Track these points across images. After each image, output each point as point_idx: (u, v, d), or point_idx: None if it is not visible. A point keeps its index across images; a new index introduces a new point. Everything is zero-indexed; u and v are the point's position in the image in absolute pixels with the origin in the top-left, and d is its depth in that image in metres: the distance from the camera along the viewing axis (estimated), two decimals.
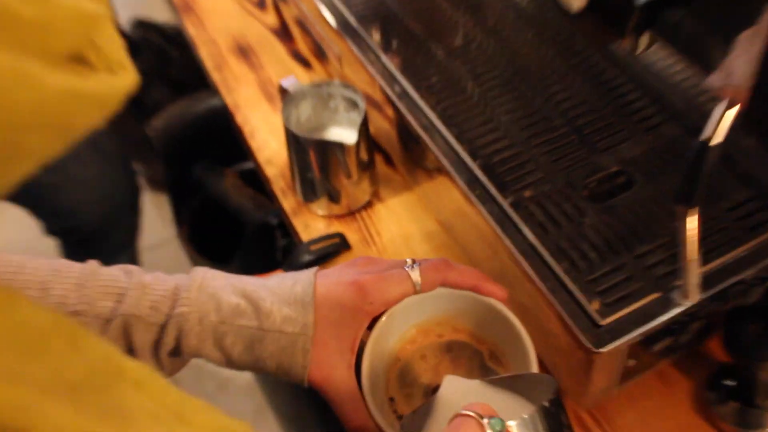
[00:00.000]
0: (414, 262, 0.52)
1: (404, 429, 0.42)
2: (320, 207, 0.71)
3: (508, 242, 0.57)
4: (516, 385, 0.43)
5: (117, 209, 1.08)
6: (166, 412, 0.25)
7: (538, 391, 0.40)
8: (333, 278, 0.52)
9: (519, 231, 0.57)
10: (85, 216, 1.04)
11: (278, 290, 0.50)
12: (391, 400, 0.51)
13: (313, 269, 0.52)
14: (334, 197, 0.70)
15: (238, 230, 0.88)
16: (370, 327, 0.53)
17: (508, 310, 0.52)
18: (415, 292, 0.52)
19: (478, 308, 0.53)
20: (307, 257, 0.67)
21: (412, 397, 0.52)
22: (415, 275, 0.52)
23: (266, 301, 0.49)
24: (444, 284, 0.52)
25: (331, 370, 0.49)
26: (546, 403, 0.37)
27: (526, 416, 0.37)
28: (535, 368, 0.49)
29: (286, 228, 0.77)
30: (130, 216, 1.12)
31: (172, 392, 0.27)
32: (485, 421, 0.35)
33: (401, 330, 0.54)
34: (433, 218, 0.70)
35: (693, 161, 0.39)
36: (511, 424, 0.36)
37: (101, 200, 1.05)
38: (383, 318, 0.52)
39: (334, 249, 0.68)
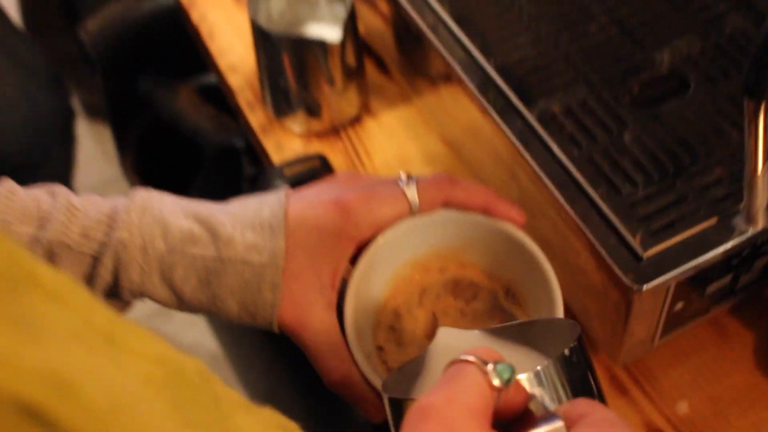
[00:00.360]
0: (409, 177, 0.53)
1: (386, 390, 0.41)
2: (296, 123, 0.71)
3: (531, 161, 0.56)
4: (528, 334, 0.43)
5: (45, 137, 1.07)
6: (90, 332, 0.25)
7: (557, 340, 0.40)
8: (309, 198, 0.52)
9: (545, 147, 0.57)
10: (5, 146, 1.03)
11: (240, 213, 0.51)
12: (380, 349, 0.52)
13: (284, 189, 0.53)
14: (313, 110, 0.70)
15: (195, 158, 0.88)
16: (354, 260, 0.53)
17: (527, 238, 0.53)
18: (411, 214, 0.52)
19: (490, 236, 0.53)
20: (279, 184, 0.67)
21: (404, 348, 0.52)
22: (412, 193, 0.52)
23: (226, 226, 0.50)
24: (447, 204, 0.53)
25: (306, 310, 0.50)
26: (566, 352, 0.37)
27: (539, 368, 0.37)
28: (560, 309, 0.50)
29: (254, 152, 0.77)
30: (61, 146, 1.11)
31: (101, 311, 0.27)
32: (489, 367, 0.35)
33: (394, 264, 0.54)
34: (436, 136, 0.71)
35: (765, 41, 0.38)
36: (522, 377, 0.36)
37: (24, 125, 1.03)
38: (371, 247, 0.53)
39: (313, 173, 0.68)
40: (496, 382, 0.35)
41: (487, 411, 0.34)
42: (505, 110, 0.59)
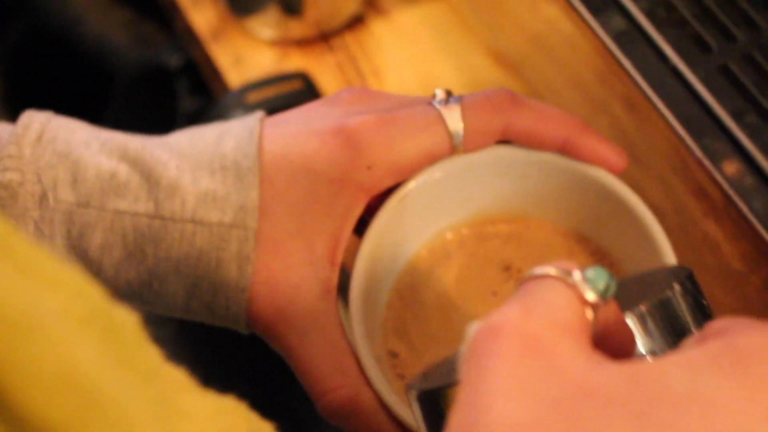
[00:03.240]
0: (449, 95, 0.53)
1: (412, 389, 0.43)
2: (265, 25, 0.72)
3: (635, 75, 0.57)
4: (627, 289, 0.44)
5: None
6: None
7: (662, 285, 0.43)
8: (294, 125, 0.53)
9: (658, 53, 0.57)
10: None
11: (189, 149, 0.52)
12: (393, 355, 0.53)
13: (257, 113, 0.54)
14: (291, 6, 0.70)
15: (102, 86, 0.88)
16: (366, 222, 0.53)
17: (629, 189, 0.53)
18: (453, 151, 0.52)
19: (574, 186, 0.54)
20: (239, 115, 0.65)
21: (429, 353, 0.53)
22: (454, 118, 0.52)
23: (168, 166, 0.51)
24: (507, 136, 0.53)
25: (291, 298, 0.50)
26: (676, 286, 0.40)
27: (644, 309, 0.39)
28: None
29: (196, 74, 0.77)
30: None
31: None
32: (577, 276, 0.35)
33: (426, 228, 0.55)
34: (481, 46, 0.71)
35: None
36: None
37: None
38: (391, 201, 0.53)
39: (290, 100, 0.67)
40: (590, 294, 0.35)
41: (584, 331, 0.35)
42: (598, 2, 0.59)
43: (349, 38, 0.71)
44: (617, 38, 0.58)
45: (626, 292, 0.42)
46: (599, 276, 0.35)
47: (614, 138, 0.59)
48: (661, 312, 0.40)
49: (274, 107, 0.65)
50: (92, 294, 0.30)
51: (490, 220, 0.56)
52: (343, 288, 0.52)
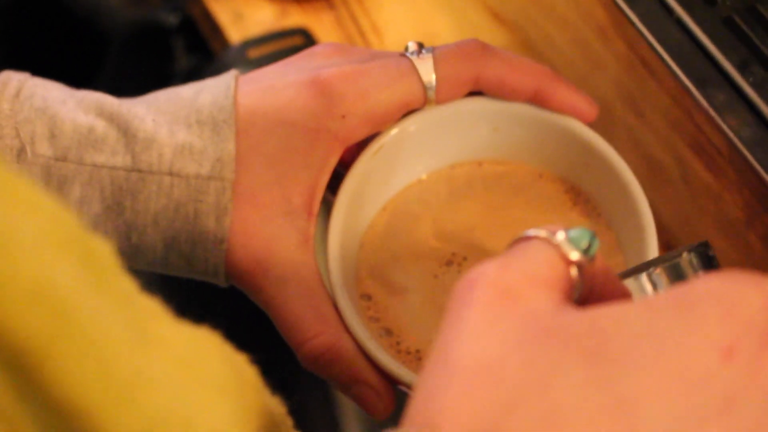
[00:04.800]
0: (421, 46, 0.53)
1: None
2: None
3: (640, 26, 0.57)
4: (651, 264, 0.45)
5: None
6: None
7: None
8: (269, 80, 0.53)
9: (662, 5, 0.57)
10: None
11: (166, 105, 0.52)
12: (368, 299, 0.53)
13: (232, 71, 0.54)
14: None
15: (97, 46, 0.87)
16: (335, 185, 0.53)
17: (600, 138, 0.53)
18: (426, 102, 0.53)
19: (546, 137, 0.54)
20: (242, 72, 0.66)
21: (402, 295, 0.53)
22: (426, 67, 0.52)
23: (144, 120, 0.51)
24: (479, 86, 0.53)
25: (269, 248, 0.51)
26: (687, 253, 0.41)
27: (655, 271, 0.40)
28: (652, 240, 0.51)
29: (193, 32, 0.77)
30: None
31: None
32: (560, 235, 0.36)
33: (403, 177, 0.56)
34: (480, 3, 0.71)
35: None
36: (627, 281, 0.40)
37: None
38: (366, 152, 0.53)
39: (291, 56, 0.66)
40: (574, 254, 0.36)
41: (559, 285, 0.36)
42: None
43: None
44: None
45: (649, 266, 0.43)
46: (582, 236, 0.36)
47: (617, 92, 0.60)
48: (671, 275, 0.40)
49: (276, 62, 0.68)
50: (69, 220, 0.31)
51: (470, 162, 0.56)
52: (319, 238, 0.52)
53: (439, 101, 0.53)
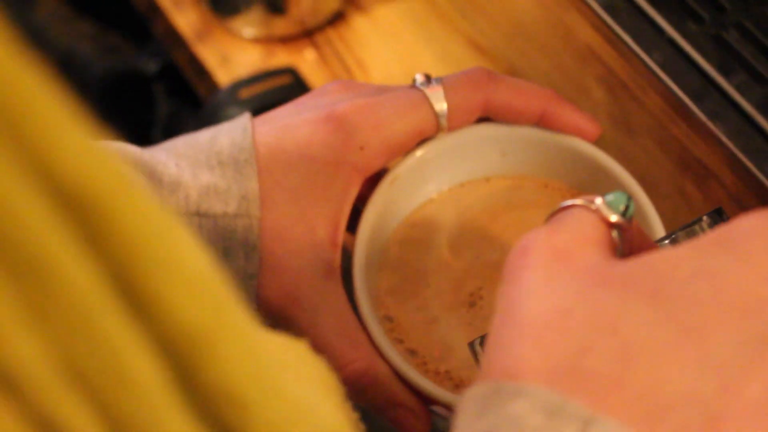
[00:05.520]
0: (428, 77, 0.54)
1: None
2: (249, 24, 0.72)
3: (628, 41, 0.58)
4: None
5: None
6: None
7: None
8: (284, 119, 0.53)
9: (650, 23, 0.58)
10: None
11: (186, 149, 0.52)
12: (390, 320, 0.53)
13: (245, 114, 0.54)
14: (276, 5, 0.71)
15: (74, 96, 0.85)
16: (356, 217, 0.53)
17: (607, 157, 0.54)
18: (438, 129, 0.54)
19: (553, 157, 0.55)
20: (234, 112, 0.65)
21: (426, 314, 0.53)
22: (437, 96, 0.53)
23: (168, 165, 0.51)
24: (488, 111, 0.54)
25: (298, 281, 0.51)
26: (705, 218, 0.43)
27: (675, 235, 0.42)
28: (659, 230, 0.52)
29: (174, 77, 0.77)
30: None
31: None
32: (599, 201, 0.38)
33: (415, 203, 0.56)
34: (461, 36, 0.72)
35: None
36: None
37: None
38: (383, 184, 0.54)
39: (281, 94, 0.68)
40: (613, 216, 0.38)
41: (606, 243, 0.38)
42: None
43: (332, 34, 0.72)
44: (610, 11, 0.58)
45: (671, 235, 0.45)
46: (619, 199, 0.38)
47: (605, 114, 0.61)
48: (690, 238, 0.41)
49: (266, 102, 0.67)
50: None
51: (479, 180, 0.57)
52: (344, 268, 0.53)
53: (451, 128, 0.54)
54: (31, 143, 0.23)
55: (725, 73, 0.56)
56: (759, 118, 0.55)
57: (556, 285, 0.36)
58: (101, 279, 0.24)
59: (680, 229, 0.43)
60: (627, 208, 0.38)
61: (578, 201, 0.38)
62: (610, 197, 0.38)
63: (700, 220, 0.43)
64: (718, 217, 0.44)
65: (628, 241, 0.38)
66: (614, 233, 0.38)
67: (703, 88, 0.56)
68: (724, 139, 0.55)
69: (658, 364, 0.33)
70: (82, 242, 0.23)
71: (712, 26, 0.58)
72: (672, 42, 0.58)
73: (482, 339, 0.46)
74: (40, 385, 0.23)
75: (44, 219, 0.22)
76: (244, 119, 0.53)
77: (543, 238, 0.37)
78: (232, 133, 0.52)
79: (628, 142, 0.61)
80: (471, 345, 0.45)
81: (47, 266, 0.22)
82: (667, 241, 0.43)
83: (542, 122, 0.54)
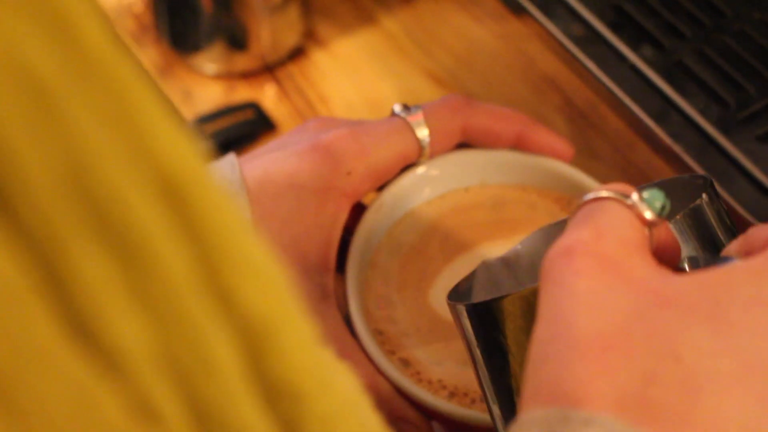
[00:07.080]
0: (406, 106, 0.55)
1: (458, 298, 0.44)
2: (210, 60, 0.72)
3: (594, 70, 0.59)
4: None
5: None
6: None
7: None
8: (269, 154, 0.54)
9: (612, 50, 0.60)
10: None
11: None
12: (380, 334, 0.53)
13: (230, 154, 0.54)
14: (236, 40, 0.71)
15: None
16: (353, 228, 0.54)
17: (585, 176, 0.56)
18: (421, 153, 0.55)
19: (532, 176, 0.57)
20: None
21: (413, 321, 0.54)
22: (417, 122, 0.54)
23: None
24: (466, 135, 0.56)
25: None
26: (705, 195, 0.42)
27: (679, 218, 0.40)
28: None
29: None
30: None
31: None
32: (634, 197, 0.37)
33: (400, 214, 0.58)
34: (419, 68, 0.73)
35: None
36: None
37: None
38: (369, 213, 0.55)
39: (245, 129, 0.69)
40: (648, 213, 0.37)
41: (646, 246, 0.36)
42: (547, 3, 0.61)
43: (292, 68, 0.72)
44: (573, 39, 0.60)
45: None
46: (655, 196, 0.37)
47: (572, 130, 0.62)
48: (693, 219, 0.41)
49: (230, 136, 0.68)
50: None
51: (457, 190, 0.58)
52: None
53: (433, 153, 0.55)
54: (139, 130, 0.23)
55: (685, 95, 0.58)
56: (719, 137, 0.57)
57: (611, 300, 0.34)
58: (193, 267, 0.24)
59: (684, 213, 0.41)
60: (664, 206, 0.37)
61: (607, 193, 0.37)
62: (646, 194, 0.37)
63: (700, 197, 0.42)
64: (713, 191, 0.43)
65: (656, 239, 0.37)
66: (645, 230, 0.37)
67: (664, 111, 0.58)
68: (686, 158, 0.57)
69: (724, 400, 0.32)
70: (178, 229, 0.23)
71: (672, 52, 0.60)
72: (633, 68, 0.59)
73: (457, 292, 0.46)
74: (142, 369, 0.23)
75: (150, 205, 0.23)
76: (230, 156, 0.53)
77: (588, 240, 0.35)
78: (219, 171, 0.52)
79: (595, 164, 0.62)
80: (453, 306, 0.45)
81: (151, 251, 0.23)
82: (671, 226, 0.41)
83: (518, 144, 0.55)
